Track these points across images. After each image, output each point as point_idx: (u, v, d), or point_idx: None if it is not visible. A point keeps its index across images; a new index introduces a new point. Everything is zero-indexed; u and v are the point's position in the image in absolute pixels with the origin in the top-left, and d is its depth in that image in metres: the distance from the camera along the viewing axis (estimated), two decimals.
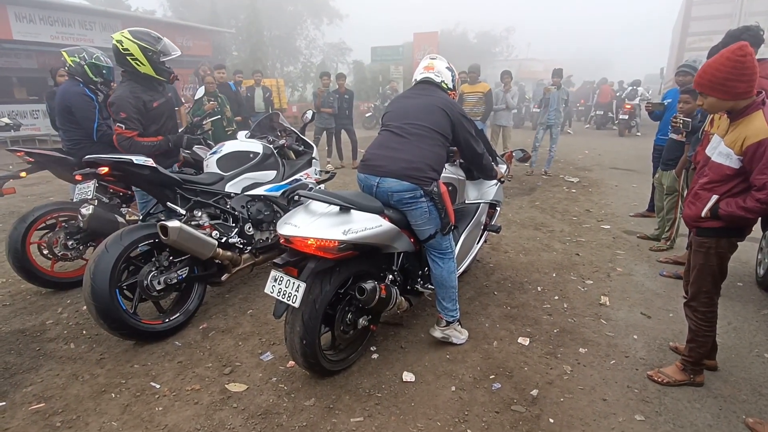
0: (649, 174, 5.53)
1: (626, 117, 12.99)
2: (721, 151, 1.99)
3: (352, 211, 2.19)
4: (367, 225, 2.17)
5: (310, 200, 2.24)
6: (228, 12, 22.44)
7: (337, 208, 2.16)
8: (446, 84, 2.64)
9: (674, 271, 3.64)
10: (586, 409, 2.17)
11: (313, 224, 2.08)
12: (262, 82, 8.23)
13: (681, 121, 3.52)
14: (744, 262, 3.80)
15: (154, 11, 22.68)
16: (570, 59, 39.65)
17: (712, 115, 2.97)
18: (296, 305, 2.04)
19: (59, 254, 3.37)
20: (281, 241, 2.14)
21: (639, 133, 13.34)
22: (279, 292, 2.11)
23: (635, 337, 2.80)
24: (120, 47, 2.91)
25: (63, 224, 3.44)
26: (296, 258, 2.13)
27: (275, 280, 2.15)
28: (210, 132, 5.12)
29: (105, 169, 2.55)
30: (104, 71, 3.59)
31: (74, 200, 3.33)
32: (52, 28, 12.18)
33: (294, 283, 2.08)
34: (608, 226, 5.02)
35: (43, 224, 3.36)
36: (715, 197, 1.98)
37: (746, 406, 2.17)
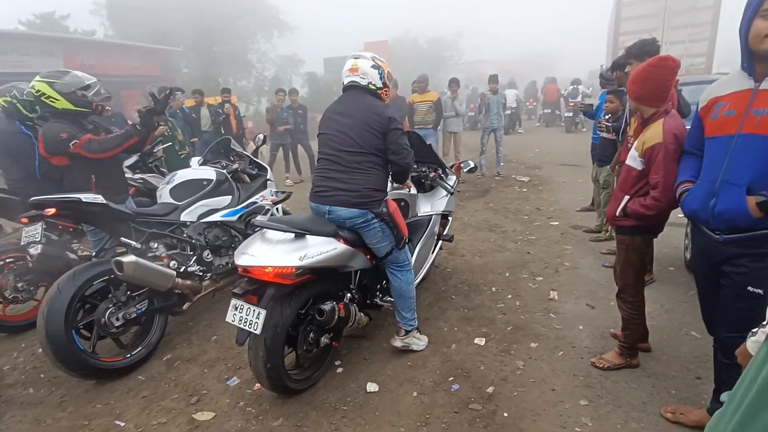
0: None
1: (570, 114, 13.68)
2: (631, 154, 2.24)
3: (307, 236, 2.29)
4: (322, 249, 2.27)
5: (266, 228, 2.31)
6: (174, 29, 21.93)
7: (293, 234, 2.26)
8: (374, 85, 2.52)
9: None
10: (537, 400, 2.34)
11: (270, 252, 2.17)
12: (206, 101, 8.12)
13: (605, 126, 3.84)
14: (675, 248, 4.16)
15: (95, 31, 21.82)
16: (518, 59, 41.20)
17: (632, 119, 3.27)
18: (257, 332, 2.11)
19: (10, 297, 3.27)
20: (239, 270, 2.21)
21: (584, 129, 14.06)
22: (240, 320, 2.18)
23: (581, 327, 3.03)
24: (34, 91, 2.91)
25: (11, 266, 3.33)
26: (255, 286, 2.20)
27: (236, 309, 2.21)
28: (163, 158, 5.06)
29: (52, 211, 2.53)
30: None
31: (22, 243, 3.25)
32: None
33: (254, 310, 2.15)
34: (557, 223, 5.33)
35: None
36: (627, 197, 2.22)
37: (676, 381, 2.42)
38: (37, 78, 2.95)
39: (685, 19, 13.81)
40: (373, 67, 2.53)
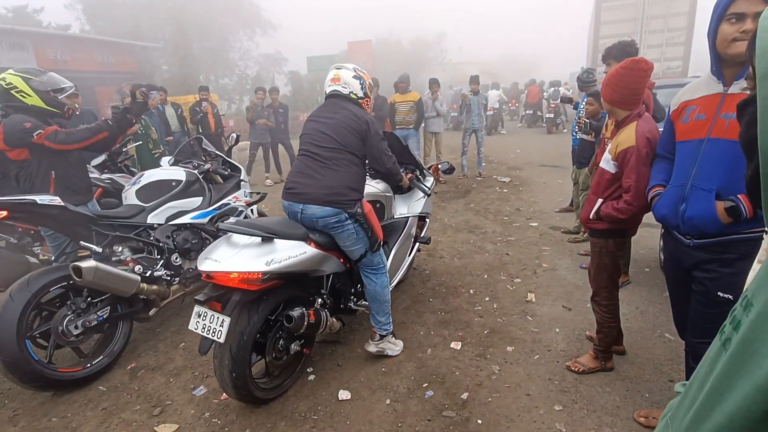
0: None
1: (552, 115, 13.83)
2: (605, 157, 2.22)
3: (275, 240, 2.20)
4: (290, 253, 2.19)
5: (231, 232, 2.22)
6: (153, 25, 21.41)
7: (259, 238, 2.17)
8: (355, 94, 2.56)
9: None
10: (512, 405, 2.31)
11: (235, 257, 2.08)
12: (169, 100, 7.86)
13: (583, 123, 3.84)
14: (651, 249, 4.20)
15: (69, 26, 21.15)
16: (502, 61, 41.59)
17: (609, 120, 3.27)
18: (221, 341, 2.02)
19: None
20: (203, 276, 2.12)
21: (565, 130, 14.24)
22: (203, 328, 2.08)
23: (557, 330, 3.01)
24: (3, 83, 2.77)
25: None
26: (219, 292, 2.11)
27: (199, 316, 2.11)
28: (134, 157, 4.90)
29: (4, 213, 2.38)
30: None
31: None
32: None
33: (218, 318, 2.06)
34: (536, 224, 5.33)
35: None
36: (600, 201, 2.19)
37: (649, 385, 2.41)
38: (11, 71, 2.83)
39: (662, 23, 14.09)
40: (354, 77, 2.58)
